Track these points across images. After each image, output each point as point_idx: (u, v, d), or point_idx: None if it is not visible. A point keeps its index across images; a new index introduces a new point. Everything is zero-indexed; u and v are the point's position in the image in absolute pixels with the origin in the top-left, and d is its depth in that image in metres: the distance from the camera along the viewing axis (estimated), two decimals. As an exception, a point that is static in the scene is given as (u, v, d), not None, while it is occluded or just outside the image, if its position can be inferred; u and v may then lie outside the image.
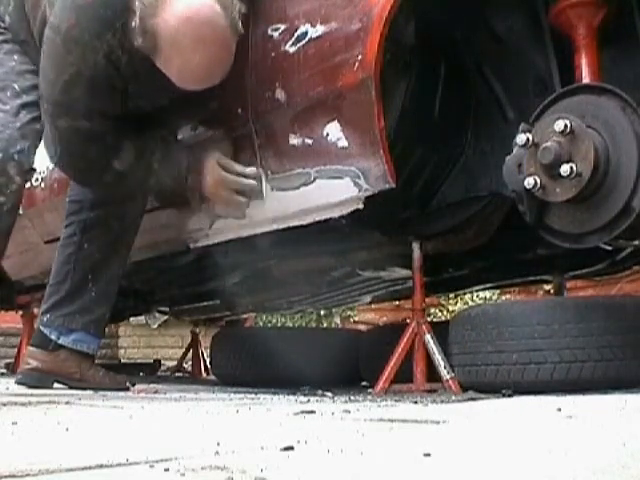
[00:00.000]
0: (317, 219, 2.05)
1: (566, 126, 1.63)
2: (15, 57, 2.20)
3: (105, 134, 2.09)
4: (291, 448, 0.93)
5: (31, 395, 2.08)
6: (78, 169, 2.23)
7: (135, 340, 6.60)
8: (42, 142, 2.21)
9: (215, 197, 2.17)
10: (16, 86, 2.15)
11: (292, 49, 1.97)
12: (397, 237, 2.33)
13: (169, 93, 1.99)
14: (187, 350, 4.60)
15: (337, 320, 6.50)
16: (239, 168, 2.13)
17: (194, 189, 2.16)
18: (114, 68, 1.97)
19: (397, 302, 5.12)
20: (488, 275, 2.85)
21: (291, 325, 6.32)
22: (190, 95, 2.00)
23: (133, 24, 1.87)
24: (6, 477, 0.76)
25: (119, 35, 1.92)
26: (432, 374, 2.12)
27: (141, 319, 5.90)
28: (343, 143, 1.89)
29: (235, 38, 1.93)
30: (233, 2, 1.90)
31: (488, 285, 3.21)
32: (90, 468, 0.81)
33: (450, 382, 2.04)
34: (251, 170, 2.11)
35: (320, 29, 1.91)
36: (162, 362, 4.96)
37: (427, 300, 2.30)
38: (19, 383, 2.40)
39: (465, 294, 5.57)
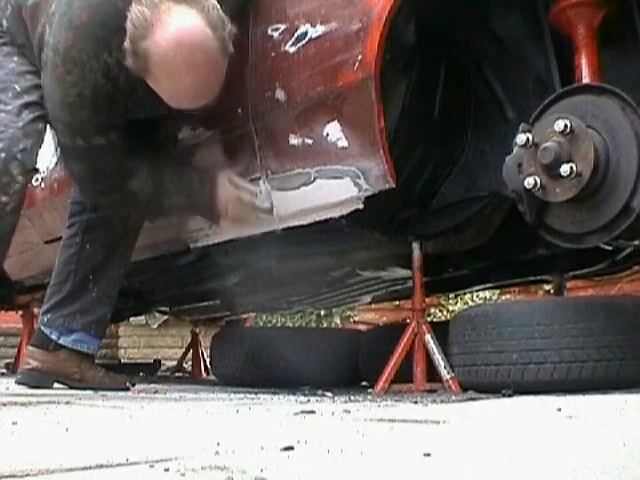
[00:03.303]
0: (317, 219, 2.05)
1: (566, 126, 1.63)
2: (15, 59, 2.21)
3: (118, 148, 2.11)
4: (291, 448, 0.93)
5: (31, 395, 2.08)
6: (96, 186, 2.25)
7: (135, 340, 6.60)
8: (44, 143, 2.22)
9: (227, 212, 2.17)
10: (17, 87, 2.15)
11: (292, 49, 1.97)
12: (397, 237, 2.33)
13: (166, 106, 2.00)
14: (187, 350, 4.60)
15: (337, 320, 6.50)
16: (250, 186, 2.14)
17: (206, 205, 2.16)
18: (113, 85, 1.99)
19: (397, 302, 5.12)
20: (488, 275, 2.85)
21: (291, 325, 6.32)
22: None
23: (124, 45, 1.88)
24: (6, 477, 0.76)
25: (116, 53, 1.93)
26: (432, 374, 2.12)
27: (141, 319, 5.91)
28: (343, 143, 1.89)
29: (226, 59, 1.93)
30: (224, 23, 1.89)
31: (488, 285, 3.21)
32: (90, 468, 0.81)
33: (450, 382, 2.04)
34: (262, 198, 2.12)
35: (320, 29, 1.91)
36: (162, 362, 4.96)
37: (427, 300, 2.30)
38: (19, 383, 2.40)
39: (465, 294, 5.57)
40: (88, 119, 2.03)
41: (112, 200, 2.25)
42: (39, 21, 2.09)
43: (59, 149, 2.20)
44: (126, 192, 2.16)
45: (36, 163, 2.17)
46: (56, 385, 2.40)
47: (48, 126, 2.16)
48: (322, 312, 6.18)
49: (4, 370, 4.80)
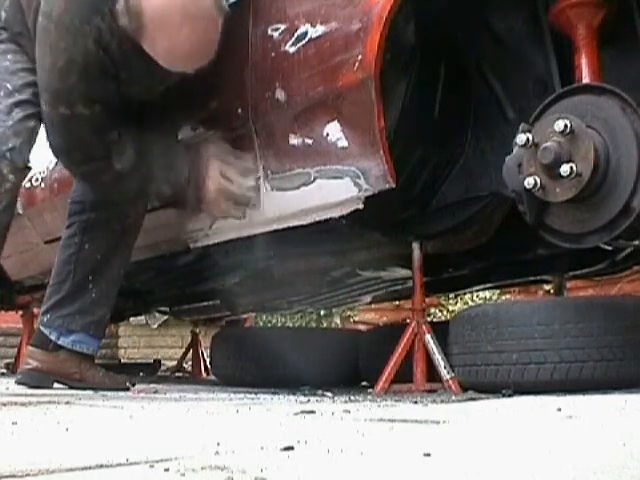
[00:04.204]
0: (317, 219, 2.05)
1: (566, 126, 1.63)
2: (9, 57, 2.21)
3: (103, 122, 2.10)
4: (291, 448, 0.93)
5: (31, 395, 2.08)
6: (75, 159, 2.23)
7: (135, 340, 6.60)
8: (40, 139, 2.21)
9: (214, 206, 2.20)
10: (9, 85, 2.16)
11: (292, 49, 1.97)
12: (397, 237, 2.33)
13: (160, 80, 2.00)
14: (187, 350, 4.60)
15: (337, 320, 6.50)
16: (239, 179, 2.14)
17: (194, 196, 2.17)
18: (104, 53, 1.99)
19: (397, 302, 5.12)
20: (488, 275, 2.85)
21: (291, 325, 6.32)
22: (183, 92, 2.00)
23: (118, 6, 1.89)
24: (6, 477, 0.76)
25: (108, 19, 1.94)
26: (432, 374, 2.12)
27: (141, 319, 5.90)
28: (343, 143, 1.89)
29: (221, 16, 1.94)
30: None
31: (488, 285, 3.21)
32: (90, 468, 0.81)
33: (450, 382, 2.04)
34: (250, 183, 2.13)
35: (320, 29, 1.91)
36: (162, 362, 4.96)
37: (427, 300, 2.30)
38: (19, 383, 2.40)
39: (465, 294, 5.57)
40: (75, 86, 2.01)
41: (91, 172, 2.22)
42: None
43: (37, 129, 2.18)
44: (109, 167, 2.13)
45: (28, 161, 2.16)
46: (56, 385, 2.40)
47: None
48: (322, 312, 6.18)
49: (4, 370, 4.80)
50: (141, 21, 1.88)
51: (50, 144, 2.20)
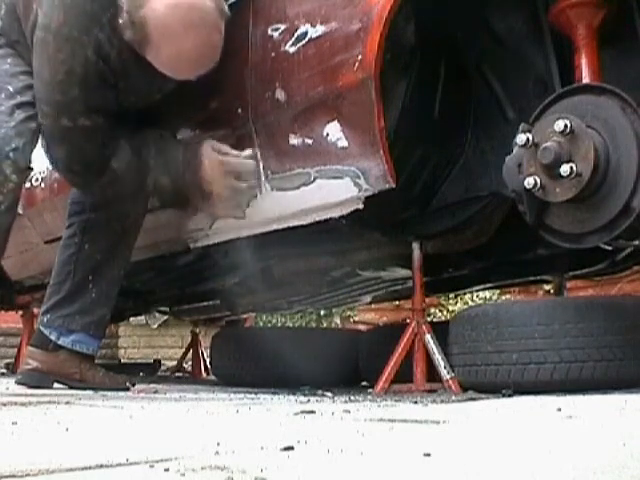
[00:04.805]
0: (317, 219, 2.05)
1: (566, 126, 1.63)
2: (8, 60, 2.22)
3: (103, 132, 2.10)
4: (291, 448, 0.93)
5: (31, 395, 2.08)
6: (77, 170, 2.23)
7: (135, 340, 6.60)
8: (40, 143, 2.21)
9: (214, 184, 2.14)
10: (10, 88, 2.16)
11: (292, 49, 1.97)
12: (397, 237, 2.33)
13: (159, 88, 2.00)
14: (187, 350, 4.60)
15: (337, 320, 6.50)
16: (234, 152, 2.12)
17: (193, 181, 2.15)
18: (104, 63, 1.99)
19: (397, 302, 5.12)
20: (488, 275, 2.85)
21: (291, 325, 6.32)
22: (183, 93, 2.00)
23: (121, 20, 1.89)
24: (6, 477, 0.76)
25: (107, 30, 1.94)
26: (432, 374, 2.12)
27: (141, 319, 5.91)
28: (343, 143, 1.89)
29: (223, 20, 1.95)
30: None
31: (488, 285, 3.21)
32: (90, 468, 0.81)
33: (450, 382, 2.04)
34: (246, 152, 2.11)
35: (320, 29, 1.91)
36: (162, 362, 4.96)
37: (427, 300, 2.30)
38: (19, 383, 2.40)
39: (465, 294, 5.57)
40: (77, 97, 2.01)
41: (90, 180, 2.22)
42: (32, 10, 2.10)
43: (42, 134, 2.17)
44: (109, 173, 2.13)
45: (30, 162, 2.16)
46: (56, 385, 2.40)
47: None
48: (322, 312, 6.18)
49: (4, 370, 4.80)
50: (145, 32, 1.88)
51: (50, 156, 2.20)
